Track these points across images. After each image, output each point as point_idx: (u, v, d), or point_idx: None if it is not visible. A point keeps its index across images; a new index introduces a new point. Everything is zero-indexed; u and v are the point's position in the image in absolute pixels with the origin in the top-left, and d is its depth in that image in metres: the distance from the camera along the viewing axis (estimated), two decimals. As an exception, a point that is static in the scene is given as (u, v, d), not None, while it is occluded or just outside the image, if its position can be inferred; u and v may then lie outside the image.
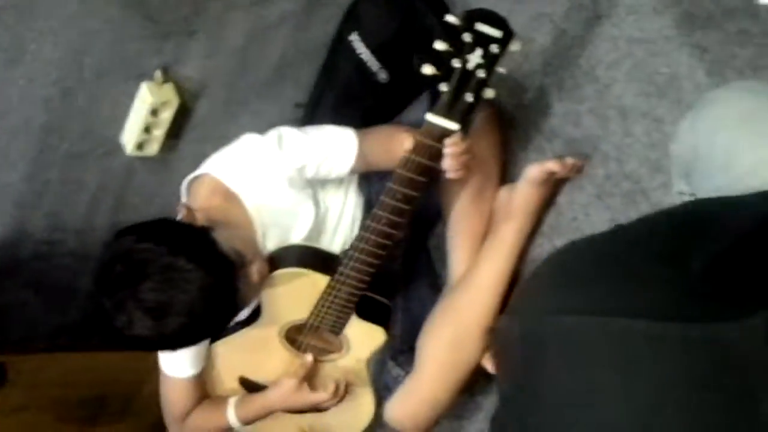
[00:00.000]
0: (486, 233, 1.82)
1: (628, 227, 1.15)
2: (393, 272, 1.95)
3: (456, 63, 1.50)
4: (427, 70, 1.51)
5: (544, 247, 1.78)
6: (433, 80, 1.52)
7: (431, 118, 1.55)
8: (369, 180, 1.95)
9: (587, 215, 1.71)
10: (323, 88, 2.20)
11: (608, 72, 1.68)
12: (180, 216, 1.68)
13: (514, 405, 0.99)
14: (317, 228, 1.87)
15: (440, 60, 1.51)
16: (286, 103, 2.27)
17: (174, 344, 1.62)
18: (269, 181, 1.75)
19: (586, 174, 1.72)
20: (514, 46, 1.51)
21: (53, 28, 1.88)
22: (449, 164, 1.62)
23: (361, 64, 2.08)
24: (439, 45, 1.50)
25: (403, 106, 2.00)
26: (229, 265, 1.58)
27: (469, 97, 1.52)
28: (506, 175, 1.87)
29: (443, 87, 1.52)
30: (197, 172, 1.78)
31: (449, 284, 1.86)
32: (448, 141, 1.56)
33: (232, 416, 1.90)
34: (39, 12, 1.85)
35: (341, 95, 2.15)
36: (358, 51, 2.08)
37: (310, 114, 2.23)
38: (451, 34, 1.50)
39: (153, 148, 2.15)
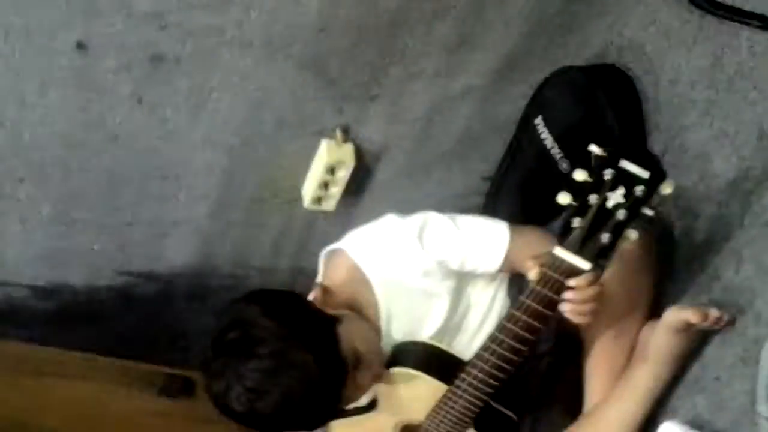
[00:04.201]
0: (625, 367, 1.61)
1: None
2: (530, 387, 1.77)
3: (593, 199, 1.32)
4: (563, 199, 1.35)
5: (685, 402, 1.54)
6: (569, 211, 1.35)
7: (559, 252, 1.37)
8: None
9: (729, 380, 1.45)
10: (508, 167, 2.06)
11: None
12: (313, 296, 1.63)
13: None
14: (454, 326, 1.75)
15: (579, 191, 1.33)
16: (473, 174, 2.16)
17: (263, 427, 1.60)
18: (404, 270, 1.67)
19: (737, 330, 1.45)
20: (666, 189, 1.31)
21: (233, 82, 1.90)
22: (568, 309, 1.43)
23: (543, 150, 1.91)
24: (579, 175, 1.33)
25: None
26: (342, 368, 1.54)
27: (604, 238, 1.34)
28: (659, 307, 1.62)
29: (576, 222, 1.34)
30: (335, 246, 1.73)
31: (582, 416, 1.67)
32: (571, 282, 1.38)
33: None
34: (218, 66, 1.88)
35: (524, 178, 2.00)
36: (541, 135, 1.92)
37: (495, 192, 2.10)
38: (593, 165, 1.32)
39: (330, 204, 2.13)
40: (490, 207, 2.12)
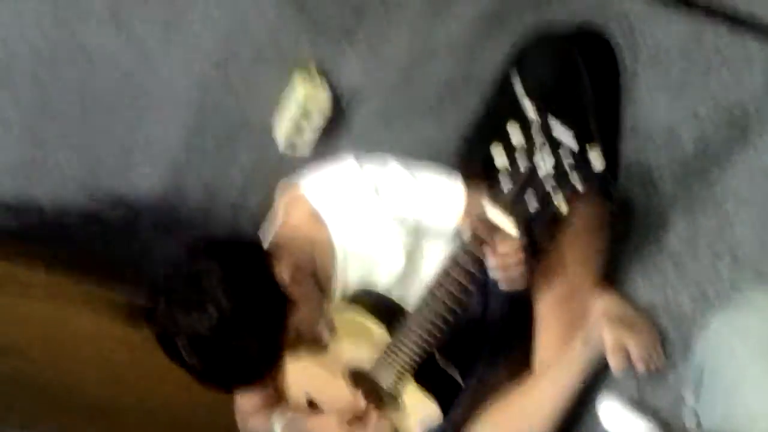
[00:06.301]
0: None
1: None
2: (479, 349, 1.76)
3: (522, 162, 1.26)
4: (497, 156, 1.29)
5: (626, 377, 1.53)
6: (502, 173, 1.30)
7: (489, 212, 1.34)
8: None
9: (673, 364, 1.44)
10: (482, 125, 2.02)
11: (737, 208, 1.37)
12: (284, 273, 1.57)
13: None
14: (410, 274, 1.73)
15: (513, 150, 1.28)
16: (449, 127, 2.12)
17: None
18: (360, 218, 1.65)
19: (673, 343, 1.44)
20: (597, 165, 1.21)
21: (210, 5, 1.88)
22: (493, 273, 1.42)
23: (516, 107, 1.87)
24: (513, 132, 1.27)
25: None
26: (280, 350, 1.56)
27: (532, 205, 1.28)
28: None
29: (506, 183, 1.29)
30: (293, 182, 1.70)
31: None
32: (499, 248, 1.35)
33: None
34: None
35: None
36: (516, 93, 1.87)
37: (468, 148, 2.06)
38: (528, 126, 1.27)
39: (304, 150, 2.09)
40: (462, 163, 2.09)
